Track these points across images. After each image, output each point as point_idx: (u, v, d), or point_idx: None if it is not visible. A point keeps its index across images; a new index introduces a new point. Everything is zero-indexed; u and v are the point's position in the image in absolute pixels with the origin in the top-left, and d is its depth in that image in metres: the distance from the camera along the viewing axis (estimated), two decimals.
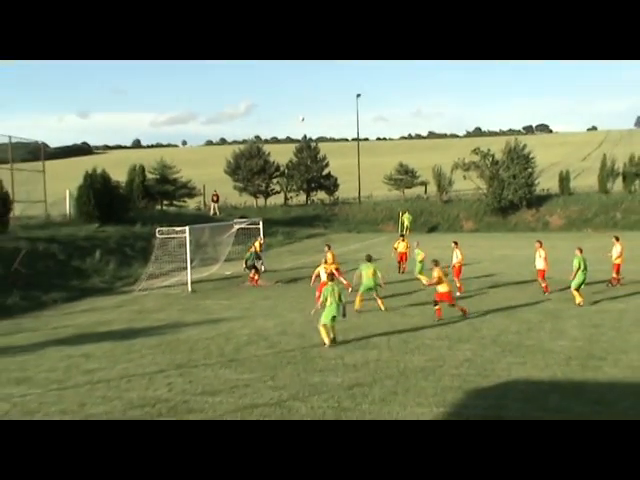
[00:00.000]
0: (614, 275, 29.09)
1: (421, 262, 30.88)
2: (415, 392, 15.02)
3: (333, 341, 19.46)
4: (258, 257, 33.21)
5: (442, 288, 23.05)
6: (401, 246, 35.07)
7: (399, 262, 35.15)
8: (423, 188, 75.18)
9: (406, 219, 62.48)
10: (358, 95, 76.40)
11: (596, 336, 20.03)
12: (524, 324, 22.00)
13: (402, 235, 38.23)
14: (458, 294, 27.09)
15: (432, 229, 63.95)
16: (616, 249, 29.27)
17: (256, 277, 32.58)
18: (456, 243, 29.21)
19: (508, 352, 18.41)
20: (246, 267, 32.85)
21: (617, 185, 66.29)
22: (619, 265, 29.09)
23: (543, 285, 27.55)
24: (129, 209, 49.28)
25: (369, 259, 25.56)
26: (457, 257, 28.70)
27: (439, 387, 15.33)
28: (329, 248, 30.42)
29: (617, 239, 29.77)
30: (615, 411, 13.35)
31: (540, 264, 27.64)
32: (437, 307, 22.92)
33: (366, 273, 24.76)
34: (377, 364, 17.47)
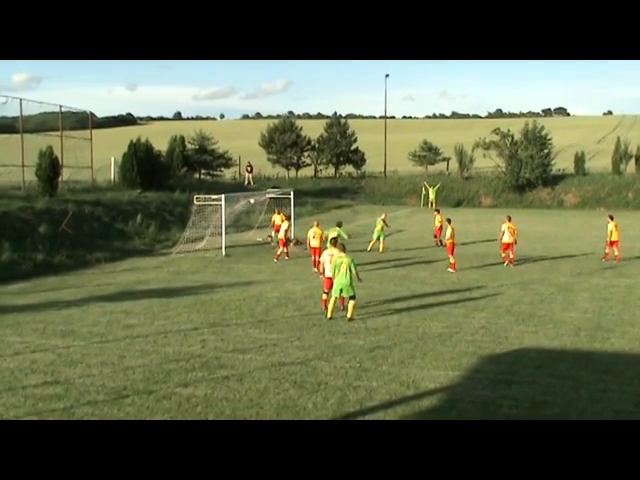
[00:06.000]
0: (616, 253, 28.79)
1: (381, 230, 32.65)
2: (432, 356, 14.99)
3: (350, 320, 18.05)
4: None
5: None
6: (436, 221, 34.69)
7: (435, 236, 34.72)
8: (445, 165, 74.72)
9: (432, 192, 62.10)
10: (387, 75, 78.03)
11: (605, 309, 19.86)
12: (537, 296, 21.86)
13: (437, 210, 37.05)
14: (451, 271, 26.23)
15: (458, 204, 63.34)
16: (610, 227, 28.88)
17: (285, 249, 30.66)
18: (449, 220, 28.16)
19: (521, 321, 18.31)
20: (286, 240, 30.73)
21: (630, 167, 65.53)
22: (616, 242, 28.84)
23: (504, 255, 27.95)
24: (169, 177, 49.47)
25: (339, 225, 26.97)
26: (448, 233, 27.37)
27: (455, 352, 15.29)
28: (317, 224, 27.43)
29: (611, 218, 29.36)
30: (621, 380, 13.25)
31: (507, 237, 27.67)
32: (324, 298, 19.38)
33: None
34: (397, 329, 17.44)
